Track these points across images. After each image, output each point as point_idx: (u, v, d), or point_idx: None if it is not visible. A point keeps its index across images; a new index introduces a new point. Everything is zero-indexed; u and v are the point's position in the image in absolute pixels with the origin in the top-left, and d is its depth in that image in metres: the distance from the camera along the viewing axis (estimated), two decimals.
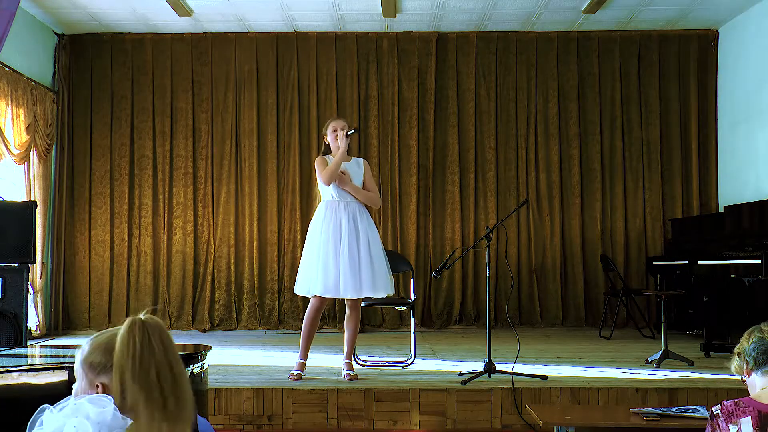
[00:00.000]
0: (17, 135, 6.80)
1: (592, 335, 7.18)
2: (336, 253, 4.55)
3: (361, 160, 4.88)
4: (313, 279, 4.58)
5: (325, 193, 4.72)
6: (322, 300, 4.62)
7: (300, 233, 7.73)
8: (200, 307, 7.80)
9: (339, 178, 4.65)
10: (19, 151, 6.80)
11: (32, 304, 7.20)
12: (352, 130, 4.73)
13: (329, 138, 4.74)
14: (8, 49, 6.33)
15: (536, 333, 7.44)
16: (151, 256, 7.83)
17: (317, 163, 4.71)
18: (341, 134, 4.67)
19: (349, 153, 4.82)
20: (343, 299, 4.72)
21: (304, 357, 4.69)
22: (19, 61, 6.93)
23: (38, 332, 7.23)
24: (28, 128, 6.95)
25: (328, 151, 4.78)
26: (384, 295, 4.70)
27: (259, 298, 7.76)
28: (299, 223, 7.79)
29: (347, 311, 4.73)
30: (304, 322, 4.69)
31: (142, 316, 1.67)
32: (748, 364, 2.22)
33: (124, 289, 7.79)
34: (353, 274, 4.53)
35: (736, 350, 2.28)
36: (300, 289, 4.68)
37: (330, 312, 7.70)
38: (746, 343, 2.24)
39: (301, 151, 7.88)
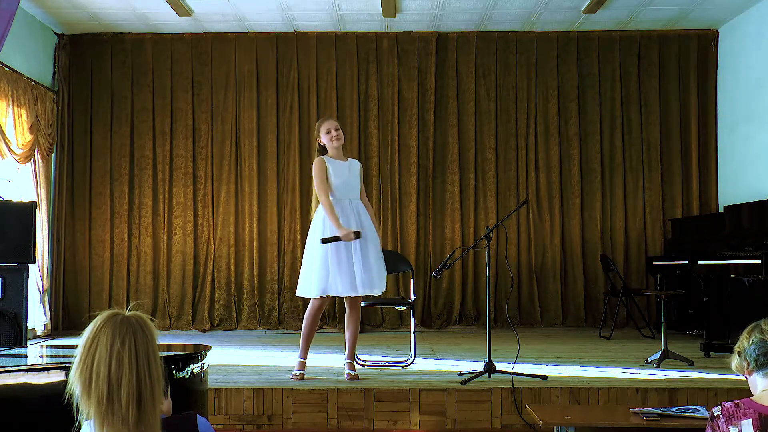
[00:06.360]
0: (20, 135, 6.79)
1: (592, 335, 7.18)
2: (348, 251, 4.55)
3: (356, 163, 4.82)
4: (323, 279, 4.52)
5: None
6: (323, 300, 4.61)
7: (300, 233, 7.73)
8: (200, 307, 7.80)
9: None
10: (22, 151, 6.79)
11: (41, 304, 7.22)
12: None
13: (323, 139, 4.73)
14: (8, 49, 6.34)
15: (536, 333, 7.44)
16: (151, 256, 7.83)
17: (316, 165, 4.66)
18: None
19: (343, 152, 4.81)
20: (343, 299, 4.73)
21: (305, 356, 4.70)
22: (19, 61, 6.93)
23: (45, 332, 7.25)
24: (31, 128, 6.95)
25: (324, 151, 4.76)
26: (381, 292, 4.72)
27: (259, 298, 7.76)
28: (299, 223, 7.79)
29: (347, 311, 4.73)
30: (305, 322, 4.67)
31: (127, 311, 1.58)
32: (749, 364, 2.20)
33: (124, 289, 7.79)
34: (366, 271, 4.56)
35: (736, 348, 2.25)
36: (310, 291, 4.58)
37: (330, 312, 7.69)
38: (746, 342, 2.21)
39: (301, 151, 7.87)
